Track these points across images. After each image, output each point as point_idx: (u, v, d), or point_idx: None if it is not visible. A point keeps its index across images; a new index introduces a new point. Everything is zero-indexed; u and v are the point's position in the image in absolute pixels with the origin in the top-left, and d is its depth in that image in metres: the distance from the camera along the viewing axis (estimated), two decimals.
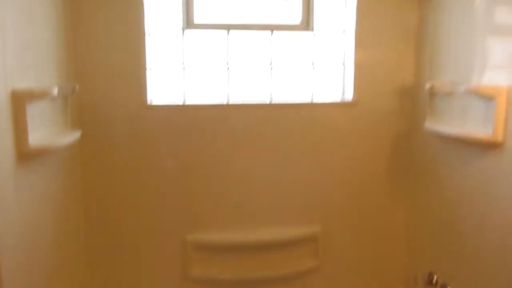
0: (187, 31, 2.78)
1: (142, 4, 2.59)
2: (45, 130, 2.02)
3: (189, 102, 2.80)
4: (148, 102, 2.68)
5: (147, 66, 2.66)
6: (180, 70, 2.80)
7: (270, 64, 2.87)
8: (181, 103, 2.79)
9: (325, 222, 2.93)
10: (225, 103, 2.84)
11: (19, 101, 1.73)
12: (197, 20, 2.79)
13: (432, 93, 2.60)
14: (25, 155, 1.78)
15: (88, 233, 2.70)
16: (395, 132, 2.92)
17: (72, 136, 2.17)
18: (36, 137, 1.86)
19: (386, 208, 3.00)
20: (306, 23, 2.89)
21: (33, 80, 1.95)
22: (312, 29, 2.89)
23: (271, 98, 2.90)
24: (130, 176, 2.71)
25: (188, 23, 2.77)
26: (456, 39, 2.46)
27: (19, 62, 1.82)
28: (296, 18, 2.89)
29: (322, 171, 2.89)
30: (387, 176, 2.97)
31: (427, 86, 2.57)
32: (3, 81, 1.65)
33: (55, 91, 1.91)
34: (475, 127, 2.23)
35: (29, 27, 1.94)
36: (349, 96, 2.89)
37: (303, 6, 2.87)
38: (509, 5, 2.03)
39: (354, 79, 2.85)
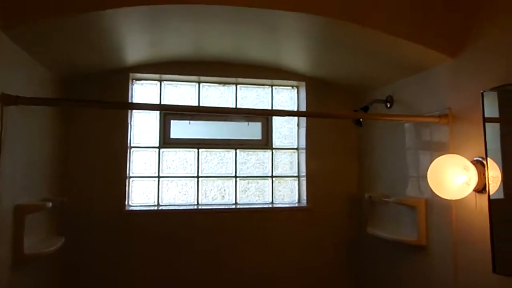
0: (162, 148, 3.24)
1: (128, 123, 3.07)
2: (36, 237, 2.32)
3: (163, 207, 3.16)
4: (126, 208, 3.03)
5: (128, 175, 3.07)
6: (155, 180, 3.20)
7: (235, 175, 3.33)
8: (155, 207, 3.15)
9: None
10: (195, 207, 3.21)
11: (20, 214, 2.06)
12: (172, 138, 3.27)
13: (371, 202, 3.07)
14: (20, 261, 2.06)
15: None
16: (344, 233, 3.33)
17: (59, 243, 2.46)
18: (30, 243, 2.15)
19: None
20: (266, 142, 3.42)
21: (30, 195, 2.29)
22: (271, 147, 3.41)
23: (236, 202, 3.31)
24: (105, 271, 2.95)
25: (164, 141, 3.24)
26: (386, 156, 3.01)
27: (23, 180, 2.18)
28: (257, 137, 3.42)
29: (283, 267, 3.20)
30: (339, 272, 3.30)
31: (366, 196, 3.06)
32: (10, 198, 2.00)
33: (50, 205, 2.25)
34: (405, 231, 2.67)
35: (31, 150, 2.33)
36: (304, 202, 3.33)
37: (262, 128, 3.42)
38: (424, 136, 2.60)
39: (307, 188, 3.31)
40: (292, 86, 3.50)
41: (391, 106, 2.92)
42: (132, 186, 3.17)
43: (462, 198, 2.10)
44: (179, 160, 3.29)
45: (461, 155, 2.12)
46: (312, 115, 3.40)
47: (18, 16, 1.90)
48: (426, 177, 2.16)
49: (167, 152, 3.26)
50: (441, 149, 2.35)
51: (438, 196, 2.23)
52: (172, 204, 3.22)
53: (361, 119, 2.87)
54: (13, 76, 2.03)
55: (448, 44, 2.27)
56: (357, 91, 3.36)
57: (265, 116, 3.44)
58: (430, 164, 2.14)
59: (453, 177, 2.02)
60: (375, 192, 3.05)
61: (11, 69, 2.03)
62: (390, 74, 2.83)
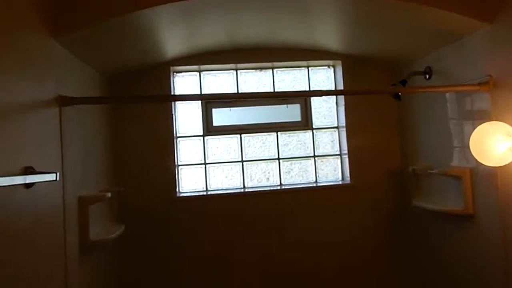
0: (206, 136, 3.37)
1: (172, 114, 3.24)
2: (100, 226, 2.53)
3: (211, 192, 3.31)
4: (177, 194, 3.20)
5: (176, 164, 3.24)
6: (202, 167, 3.35)
7: (278, 157, 3.43)
8: (204, 193, 3.31)
9: None
10: (241, 191, 3.34)
11: (84, 205, 2.26)
12: (215, 125, 3.40)
13: (415, 175, 3.07)
14: (87, 246, 2.27)
15: None
16: (389, 208, 3.35)
17: (119, 230, 2.67)
18: (95, 231, 2.36)
19: (386, 274, 3.34)
20: (306, 122, 3.47)
21: (90, 187, 2.49)
22: (311, 127, 3.47)
23: (280, 183, 3.41)
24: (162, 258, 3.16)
25: (208, 129, 3.38)
26: (427, 128, 2.99)
27: (83, 174, 2.38)
28: (297, 119, 3.49)
29: (330, 244, 3.28)
30: (386, 245, 3.34)
31: (410, 169, 3.07)
32: (73, 190, 2.19)
33: (109, 195, 2.44)
34: (451, 202, 2.67)
35: (87, 146, 2.53)
36: (347, 179, 3.38)
37: (301, 109, 3.48)
38: (465, 105, 2.56)
39: (350, 165, 3.35)
40: (328, 66, 3.52)
41: (430, 77, 2.89)
42: (181, 174, 3.34)
43: (507, 165, 2.08)
44: (223, 146, 3.42)
45: (504, 121, 2.10)
46: (349, 93, 3.42)
47: (65, 23, 2.07)
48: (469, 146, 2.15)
49: (211, 140, 3.40)
50: (483, 117, 2.32)
51: (483, 165, 2.23)
52: (219, 188, 3.37)
53: (399, 93, 2.86)
54: (67, 80, 2.21)
55: (484, 9, 2.22)
56: (394, 65, 3.33)
57: (303, 98, 3.49)
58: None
59: (496, 143, 2.01)
60: (418, 165, 3.05)
61: (65, 73, 2.20)
62: (427, 45, 2.80)
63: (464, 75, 2.51)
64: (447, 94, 2.73)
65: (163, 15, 2.33)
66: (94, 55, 2.57)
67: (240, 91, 3.44)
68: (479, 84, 2.30)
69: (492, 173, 2.29)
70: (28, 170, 1.63)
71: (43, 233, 1.81)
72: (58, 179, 1.64)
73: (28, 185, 1.63)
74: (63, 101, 2.05)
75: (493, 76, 2.27)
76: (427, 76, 2.91)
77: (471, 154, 2.17)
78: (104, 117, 2.93)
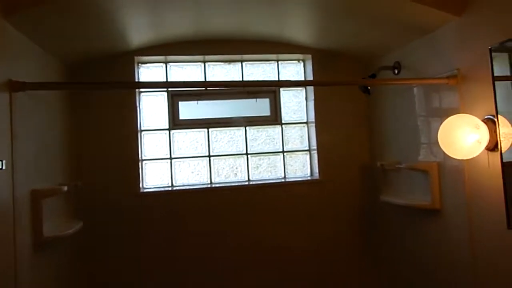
0: (172, 130, 3.26)
1: (137, 106, 3.10)
2: (56, 221, 2.38)
3: (177, 188, 3.20)
4: (141, 190, 3.07)
5: (140, 158, 3.11)
6: (167, 161, 3.23)
7: (246, 152, 3.35)
8: (169, 188, 3.19)
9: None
10: (208, 186, 3.24)
11: (37, 199, 2.11)
12: (181, 119, 3.28)
13: (383, 170, 3.06)
14: (40, 243, 2.12)
15: None
16: (358, 203, 3.34)
17: (77, 226, 2.52)
18: (49, 227, 2.21)
19: (357, 270, 3.32)
20: (275, 117, 3.41)
21: (45, 180, 2.34)
22: (281, 122, 3.41)
23: (248, 179, 3.33)
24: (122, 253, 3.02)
25: (174, 123, 3.26)
26: (396, 123, 2.98)
27: (37, 165, 2.23)
28: (266, 113, 3.42)
29: (298, 239, 3.22)
30: (355, 242, 3.32)
31: (378, 164, 3.05)
32: (26, 183, 2.04)
33: (65, 189, 2.30)
34: (419, 196, 2.66)
35: (43, 137, 2.37)
36: (316, 175, 3.34)
37: (270, 104, 3.41)
38: (433, 99, 2.56)
39: (319, 161, 3.31)
40: (298, 60, 3.48)
41: (399, 72, 2.89)
42: (145, 169, 3.21)
43: (474, 158, 2.08)
44: (190, 140, 3.31)
45: (472, 114, 2.09)
46: (319, 83, 3.37)
47: (15, 2, 1.91)
48: (437, 141, 2.14)
49: (177, 134, 3.29)
50: (451, 111, 2.31)
51: (450, 159, 2.23)
52: (185, 184, 3.26)
53: (369, 87, 2.84)
54: (19, 64, 2.06)
55: (453, 2, 2.22)
56: (364, 60, 3.31)
57: (272, 92, 3.43)
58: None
59: (464, 136, 2.00)
60: (387, 160, 3.04)
61: (17, 57, 2.05)
62: (397, 39, 2.79)
63: (432, 69, 2.51)
64: (415, 89, 2.73)
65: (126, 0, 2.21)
66: (51, 40, 2.41)
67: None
68: (447, 77, 2.30)
69: (459, 167, 2.29)
70: None
71: None
72: (3, 167, 1.50)
73: None
74: (13, 86, 1.90)
75: (461, 70, 2.27)
76: (396, 71, 2.90)
77: (439, 149, 2.16)
78: (62, 107, 2.78)
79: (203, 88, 3.34)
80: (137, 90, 3.19)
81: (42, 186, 2.23)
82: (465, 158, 2.11)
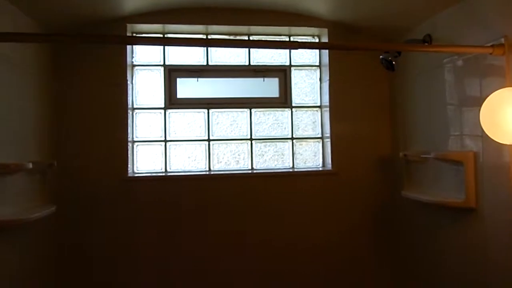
0: (168, 109, 2.90)
1: (127, 81, 2.75)
2: (19, 204, 2.04)
3: (171, 173, 2.85)
4: (129, 174, 2.73)
5: (131, 139, 2.77)
6: (161, 144, 2.88)
7: (250, 137, 2.97)
8: (163, 174, 2.84)
9: None
10: (207, 173, 2.88)
11: None
12: (179, 97, 2.93)
13: (407, 161, 2.64)
14: None
15: None
16: (376, 198, 2.93)
17: (46, 211, 2.17)
18: (10, 210, 1.87)
19: (371, 272, 2.91)
20: (284, 99, 3.02)
21: (11, 155, 2.00)
22: (290, 105, 3.02)
23: (252, 168, 2.95)
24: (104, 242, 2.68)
25: (170, 101, 2.91)
26: (423, 108, 2.56)
27: (5, 138, 1.89)
28: (274, 95, 3.03)
29: (306, 235, 2.85)
30: (370, 241, 2.92)
31: (400, 154, 2.64)
32: None
33: (30, 165, 1.95)
34: (449, 192, 2.24)
35: (16, 108, 2.04)
36: (329, 166, 2.94)
37: (279, 84, 3.02)
38: (471, 77, 2.14)
39: (332, 150, 2.91)
40: (313, 35, 3.07)
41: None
42: (136, 151, 2.86)
43: None
44: (187, 122, 2.95)
45: None
46: (335, 47, 2.92)
47: None
48: (474, 127, 1.72)
49: (173, 114, 2.93)
50: (495, 87, 1.88)
51: (492, 147, 1.83)
52: (181, 170, 2.90)
53: (394, 62, 2.43)
54: None
55: None
56: (389, 35, 2.86)
57: (282, 71, 3.04)
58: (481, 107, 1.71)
59: None
60: (411, 150, 2.62)
61: None
62: (427, 8, 2.37)
63: (471, 40, 2.08)
64: (448, 66, 2.30)
65: None
66: (32, 1, 2.08)
67: (210, 61, 2.97)
68: (492, 46, 1.87)
69: (503, 157, 1.86)
70: None
71: None
72: None
73: None
74: None
75: (509, 37, 1.84)
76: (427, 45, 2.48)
77: (477, 135, 1.75)
78: (41, 76, 2.45)
79: (204, 64, 2.96)
80: (130, 64, 2.84)
81: (4, 161, 1.89)
82: None
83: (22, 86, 2.20)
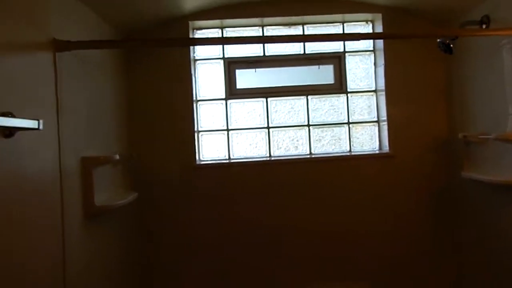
0: (229, 99, 3.07)
1: (191, 76, 2.95)
2: (110, 191, 2.31)
3: (234, 160, 3.04)
4: (197, 162, 2.94)
5: (196, 129, 2.98)
6: (224, 133, 3.07)
7: (308, 123, 3.09)
8: (227, 161, 3.03)
9: (374, 276, 2.94)
10: (267, 159, 3.03)
11: (88, 167, 2.02)
12: (239, 88, 3.09)
13: (466, 142, 2.67)
14: (92, 212, 2.04)
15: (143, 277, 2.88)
16: (434, 180, 2.97)
17: (131, 197, 2.43)
18: (103, 197, 2.13)
19: (431, 256, 2.97)
20: (339, 85, 3.11)
21: (98, 148, 2.25)
22: (346, 90, 3.10)
23: (310, 153, 3.08)
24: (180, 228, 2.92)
25: (231, 92, 3.08)
26: (482, 89, 2.56)
27: (87, 132, 2.14)
28: (330, 81, 3.12)
29: (364, 219, 2.95)
30: (430, 224, 2.97)
31: (460, 136, 2.66)
32: (75, 149, 1.95)
33: (117, 157, 2.20)
34: (510, 172, 2.27)
35: (94, 102, 2.28)
36: (386, 149, 3.01)
37: (334, 71, 3.11)
38: None
39: (389, 133, 2.97)
40: (367, 21, 3.12)
41: (487, 27, 2.46)
42: (201, 141, 3.07)
43: None
44: (248, 111, 3.12)
45: None
46: (394, 36, 2.95)
47: None
48: None
49: (234, 104, 3.10)
50: None
51: None
52: (243, 157, 3.08)
53: (451, 45, 2.45)
54: (66, 26, 1.94)
55: None
56: (444, 17, 2.87)
57: (336, 57, 3.12)
58: None
59: None
60: (470, 131, 2.64)
61: (64, 18, 1.94)
62: None
63: None
64: (506, 47, 2.29)
65: None
66: (101, 2, 2.29)
67: (266, 51, 3.10)
68: None
69: None
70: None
71: (31, 195, 1.56)
72: (41, 127, 1.38)
73: (8, 134, 1.38)
74: (57, 46, 1.79)
75: None
76: (484, 27, 2.47)
77: None
78: (116, 73, 2.68)
79: (261, 54, 3.10)
80: (192, 58, 3.03)
81: (94, 154, 2.14)
82: None
83: (106, 88, 2.45)
